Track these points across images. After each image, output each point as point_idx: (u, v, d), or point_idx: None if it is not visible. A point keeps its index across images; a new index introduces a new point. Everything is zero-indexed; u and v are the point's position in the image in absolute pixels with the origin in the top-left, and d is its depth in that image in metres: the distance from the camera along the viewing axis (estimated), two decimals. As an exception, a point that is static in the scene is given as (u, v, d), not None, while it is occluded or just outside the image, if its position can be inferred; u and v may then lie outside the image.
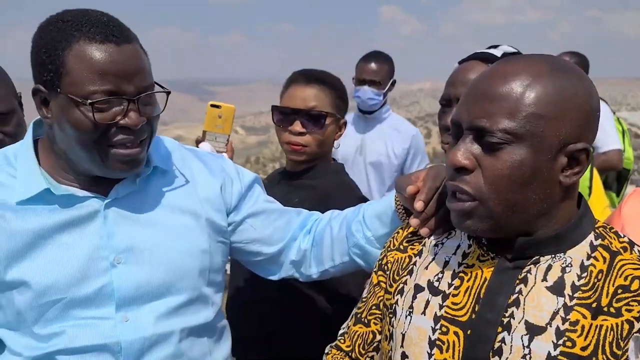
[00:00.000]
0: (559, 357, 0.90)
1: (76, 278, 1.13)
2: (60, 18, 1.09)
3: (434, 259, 1.08)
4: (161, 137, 1.33)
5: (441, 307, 1.01)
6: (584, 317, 0.91)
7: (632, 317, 0.90)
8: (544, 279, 0.95)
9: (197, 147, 1.57)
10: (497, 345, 0.94)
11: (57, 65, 1.06)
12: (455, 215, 0.98)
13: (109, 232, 1.16)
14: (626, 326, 0.89)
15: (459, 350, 0.97)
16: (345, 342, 1.21)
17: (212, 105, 1.65)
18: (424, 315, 1.03)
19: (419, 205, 1.12)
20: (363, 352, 1.18)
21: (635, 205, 1.32)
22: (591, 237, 0.98)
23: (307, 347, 1.53)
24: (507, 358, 0.92)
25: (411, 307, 1.05)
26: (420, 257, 1.11)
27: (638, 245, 0.98)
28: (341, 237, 1.38)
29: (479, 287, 0.99)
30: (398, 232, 1.20)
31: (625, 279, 0.92)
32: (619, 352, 0.89)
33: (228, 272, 1.79)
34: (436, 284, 1.04)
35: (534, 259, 0.97)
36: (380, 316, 1.16)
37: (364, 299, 1.21)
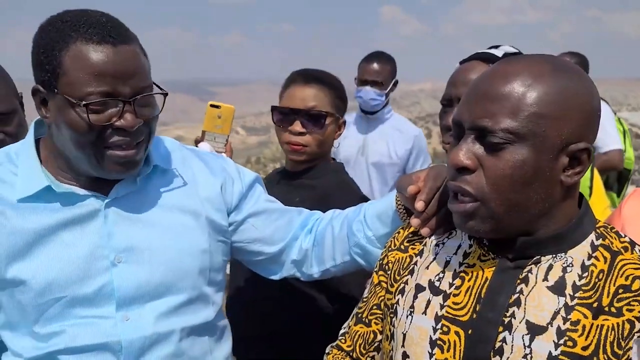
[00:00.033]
0: (560, 356, 0.90)
1: (77, 277, 1.13)
2: (59, 18, 1.09)
3: (434, 258, 1.08)
4: (162, 137, 1.34)
5: (442, 306, 1.01)
6: (585, 316, 0.91)
7: (633, 316, 0.90)
8: (545, 279, 0.95)
9: (196, 147, 1.57)
10: (498, 344, 0.94)
11: (54, 65, 1.06)
12: (457, 217, 0.98)
13: (109, 231, 1.16)
14: (627, 326, 0.90)
15: (460, 350, 0.97)
16: (346, 342, 1.21)
17: (212, 106, 1.65)
18: (425, 315, 1.03)
19: (419, 205, 1.12)
20: (364, 351, 1.18)
21: (635, 205, 1.32)
22: (592, 236, 0.98)
23: (308, 347, 1.53)
24: (508, 358, 0.93)
25: (412, 306, 1.05)
26: (421, 257, 1.11)
27: (639, 245, 0.98)
28: (342, 237, 1.38)
29: (480, 287, 0.99)
30: (399, 232, 1.20)
31: (626, 278, 0.92)
32: (620, 352, 0.89)
33: (227, 272, 1.79)
34: (437, 283, 1.04)
35: (535, 258, 0.97)
36: (381, 316, 1.16)
37: (364, 299, 1.21)
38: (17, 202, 1.13)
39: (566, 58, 3.05)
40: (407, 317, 1.06)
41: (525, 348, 0.92)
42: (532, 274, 0.96)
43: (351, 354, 1.20)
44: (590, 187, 2.16)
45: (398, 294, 1.10)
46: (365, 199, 1.79)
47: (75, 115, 1.07)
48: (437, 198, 1.13)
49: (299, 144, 1.76)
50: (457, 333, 0.98)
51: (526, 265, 0.97)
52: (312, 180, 1.80)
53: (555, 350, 0.90)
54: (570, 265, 0.95)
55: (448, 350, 0.98)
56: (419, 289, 1.06)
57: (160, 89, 1.17)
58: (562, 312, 0.92)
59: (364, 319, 1.19)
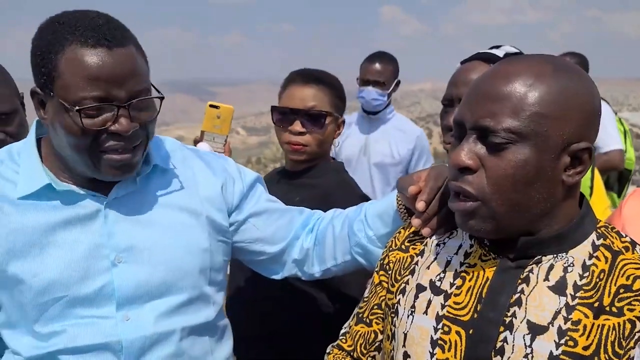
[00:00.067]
0: (561, 356, 0.90)
1: (77, 276, 1.13)
2: (57, 20, 1.08)
3: (435, 258, 1.08)
4: (163, 137, 1.34)
5: (443, 306, 1.01)
6: (586, 316, 0.91)
7: (634, 316, 0.90)
8: (546, 279, 0.95)
9: (195, 147, 1.57)
10: (499, 344, 0.94)
11: (50, 68, 1.05)
12: (458, 216, 0.98)
13: (109, 231, 1.16)
14: (628, 325, 0.90)
15: (461, 349, 0.97)
16: (347, 342, 1.21)
17: (211, 106, 1.65)
18: (426, 314, 1.03)
19: (420, 205, 1.12)
20: (365, 351, 1.18)
21: (636, 205, 1.32)
22: (593, 236, 0.98)
23: (309, 347, 1.53)
24: (509, 357, 0.93)
25: (413, 306, 1.06)
26: (422, 257, 1.11)
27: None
28: (343, 236, 1.38)
29: (481, 287, 0.99)
30: (400, 232, 1.20)
31: (627, 278, 0.92)
32: (621, 352, 0.89)
33: (227, 272, 1.79)
34: (438, 283, 1.04)
35: (536, 258, 0.97)
36: (382, 316, 1.16)
37: (365, 299, 1.21)
38: (18, 200, 1.13)
39: (566, 58, 3.05)
40: (408, 317, 1.06)
41: (526, 348, 0.92)
42: (533, 273, 0.96)
43: (352, 353, 1.20)
44: (591, 187, 2.16)
45: (399, 294, 1.10)
46: (365, 198, 1.79)
47: (70, 119, 1.06)
48: (438, 198, 1.13)
49: (299, 143, 1.77)
50: (458, 333, 0.98)
51: (527, 265, 0.97)
52: (312, 179, 1.80)
53: (556, 350, 0.90)
54: (571, 265, 0.95)
55: (449, 350, 0.98)
56: (420, 288, 1.06)
57: (158, 91, 1.16)
58: (563, 312, 0.92)
59: (364, 319, 1.19)
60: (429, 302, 1.03)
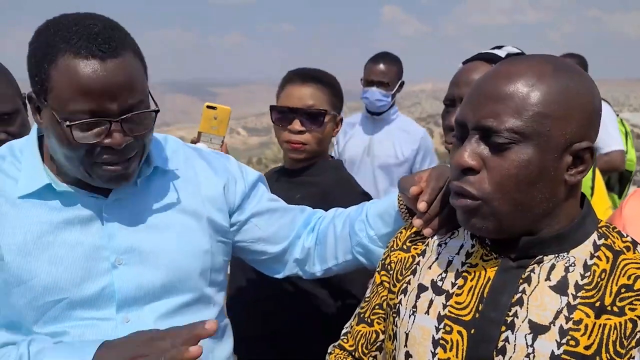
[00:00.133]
0: (563, 356, 0.90)
1: (78, 278, 1.12)
2: (52, 26, 1.05)
3: (437, 258, 1.08)
4: (165, 135, 1.33)
5: (445, 306, 1.01)
6: (588, 316, 0.91)
7: (635, 315, 0.90)
8: (548, 279, 0.95)
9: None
10: (500, 344, 0.94)
11: (43, 78, 1.03)
12: (460, 213, 0.98)
13: (109, 233, 1.15)
14: (629, 325, 0.90)
15: (463, 349, 0.97)
16: (348, 342, 1.22)
17: (208, 107, 1.65)
18: (428, 314, 1.03)
19: (422, 206, 1.12)
20: (366, 351, 1.18)
21: (636, 205, 1.32)
22: (594, 236, 0.98)
23: (310, 347, 1.54)
24: (510, 357, 0.93)
25: (415, 306, 1.06)
26: (423, 257, 1.11)
27: (641, 245, 0.99)
28: (344, 236, 1.38)
29: (482, 287, 0.99)
30: (401, 232, 1.20)
31: (629, 278, 0.93)
32: (623, 351, 0.89)
33: (227, 272, 1.79)
34: (440, 283, 1.04)
35: (537, 258, 0.97)
36: (383, 316, 1.16)
37: (367, 299, 1.21)
38: (19, 199, 1.12)
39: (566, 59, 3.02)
40: (409, 316, 1.06)
41: (527, 347, 0.92)
42: (534, 273, 0.96)
43: (353, 353, 1.20)
44: (592, 188, 2.17)
45: (400, 294, 1.10)
46: (365, 195, 1.80)
47: (62, 132, 1.04)
48: (440, 198, 1.13)
49: (299, 142, 1.78)
50: (459, 333, 0.98)
51: (529, 264, 0.97)
52: (311, 177, 1.82)
53: (558, 349, 0.90)
54: (573, 264, 0.95)
55: (451, 350, 0.98)
56: (421, 288, 1.07)
57: (154, 101, 1.13)
58: (565, 312, 0.92)
59: (366, 319, 1.19)
60: (431, 302, 1.04)
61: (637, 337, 0.89)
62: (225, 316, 1.37)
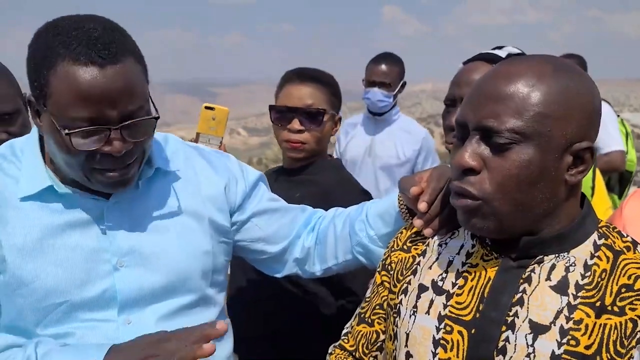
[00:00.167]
0: (563, 355, 0.90)
1: (79, 280, 1.12)
2: (52, 29, 1.04)
3: (437, 258, 1.09)
4: (166, 135, 1.32)
5: (445, 306, 1.01)
6: (588, 315, 0.91)
7: (635, 315, 0.90)
8: (548, 278, 0.95)
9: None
10: (501, 344, 0.94)
11: (42, 84, 1.02)
12: (461, 214, 0.98)
13: (111, 235, 1.15)
14: (630, 325, 0.90)
15: (463, 349, 0.97)
16: (349, 342, 1.22)
17: (206, 108, 1.65)
18: (428, 314, 1.03)
19: (422, 206, 1.12)
20: (367, 351, 1.18)
21: (636, 205, 1.32)
22: (594, 236, 0.98)
23: (311, 346, 1.53)
24: (511, 357, 0.93)
25: (415, 306, 1.06)
26: (424, 257, 1.11)
27: (641, 245, 0.99)
28: (344, 236, 1.38)
29: (483, 287, 0.99)
30: (402, 232, 1.20)
31: (629, 278, 0.93)
32: (623, 351, 0.89)
33: (228, 271, 1.79)
34: (440, 283, 1.05)
35: (537, 258, 0.97)
36: (384, 316, 1.16)
37: (367, 299, 1.21)
38: (20, 201, 1.12)
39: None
40: (410, 316, 1.06)
41: (528, 347, 0.92)
42: (535, 273, 0.96)
43: (354, 353, 1.20)
44: (593, 188, 2.17)
45: (401, 294, 1.10)
46: (365, 193, 1.81)
47: (61, 139, 1.03)
48: (440, 199, 1.13)
49: (298, 141, 1.79)
50: (460, 332, 0.98)
51: (529, 264, 0.97)
52: (311, 176, 1.83)
53: (559, 349, 0.90)
54: (573, 264, 0.95)
55: (451, 350, 0.98)
56: (422, 288, 1.07)
57: (154, 107, 1.12)
58: (565, 312, 0.92)
59: (366, 319, 1.19)
60: (431, 302, 1.04)
61: (637, 336, 0.89)
62: (226, 316, 1.37)
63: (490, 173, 0.93)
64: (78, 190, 1.14)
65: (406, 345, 1.05)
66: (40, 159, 1.15)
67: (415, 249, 1.14)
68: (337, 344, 1.25)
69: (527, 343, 0.92)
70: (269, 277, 1.48)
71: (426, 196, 1.13)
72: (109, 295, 1.14)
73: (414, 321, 1.05)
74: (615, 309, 0.91)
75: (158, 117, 1.11)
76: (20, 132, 1.60)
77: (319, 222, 1.45)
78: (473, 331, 0.97)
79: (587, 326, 0.91)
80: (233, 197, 1.32)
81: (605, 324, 0.91)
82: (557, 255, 0.97)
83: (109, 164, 1.07)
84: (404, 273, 1.12)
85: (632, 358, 0.89)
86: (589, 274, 0.94)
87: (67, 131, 1.01)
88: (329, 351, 1.26)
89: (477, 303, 0.98)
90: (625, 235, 1.00)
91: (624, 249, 0.97)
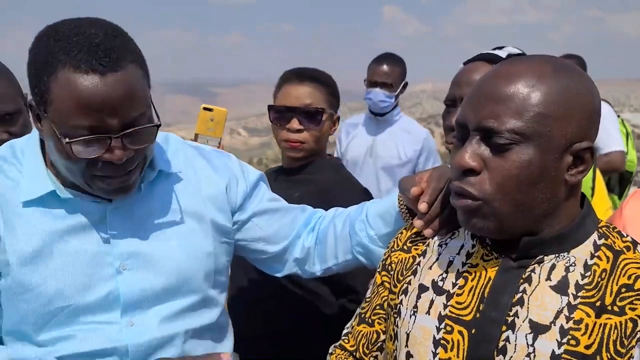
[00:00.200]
0: (563, 355, 0.90)
1: (82, 285, 1.12)
2: (52, 34, 1.02)
3: (437, 259, 1.09)
4: (167, 135, 1.32)
5: (445, 306, 1.02)
6: (588, 315, 0.91)
7: (635, 315, 0.90)
8: (548, 278, 0.95)
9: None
10: (501, 344, 0.94)
11: (43, 90, 1.01)
12: (461, 214, 0.99)
13: (113, 238, 1.15)
14: (630, 324, 0.90)
15: (464, 349, 0.97)
16: (349, 342, 1.22)
17: (205, 109, 1.65)
18: (429, 314, 1.03)
19: (422, 206, 1.12)
20: (367, 351, 1.18)
21: (636, 206, 1.32)
22: (595, 236, 0.98)
23: (311, 346, 1.54)
24: (511, 357, 0.93)
25: (415, 306, 1.06)
26: (424, 258, 1.11)
27: (641, 245, 0.99)
28: (344, 236, 1.38)
29: (483, 287, 0.99)
30: (402, 233, 1.20)
31: (629, 277, 0.93)
32: (623, 351, 0.89)
33: (229, 272, 1.79)
34: (440, 283, 1.05)
35: (537, 258, 0.97)
36: (384, 316, 1.17)
37: (367, 299, 1.21)
38: (22, 204, 1.11)
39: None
40: (410, 317, 1.06)
41: (528, 347, 0.92)
42: (535, 273, 0.96)
43: (354, 353, 1.20)
44: (593, 188, 2.17)
45: (401, 294, 1.10)
46: (366, 192, 1.81)
47: (62, 146, 1.03)
48: (440, 199, 1.13)
49: (297, 141, 1.80)
50: (460, 332, 0.98)
51: (529, 264, 0.97)
52: (310, 175, 1.83)
53: (559, 349, 0.91)
54: (573, 264, 0.95)
55: (452, 350, 0.99)
56: (422, 289, 1.07)
57: (156, 114, 1.11)
58: (565, 311, 0.92)
59: (367, 319, 1.19)
60: (432, 302, 1.04)
61: (637, 336, 0.89)
62: (227, 315, 1.37)
63: (491, 173, 0.93)
64: (79, 193, 1.14)
65: (406, 346, 1.05)
66: (41, 161, 1.15)
67: (416, 249, 1.14)
68: (337, 344, 1.25)
69: (527, 343, 0.92)
70: (270, 277, 1.48)
71: (426, 197, 1.13)
72: (112, 298, 1.14)
73: (414, 321, 1.05)
74: (615, 308, 0.91)
75: (160, 125, 1.11)
76: (22, 132, 1.60)
77: (319, 222, 1.45)
78: (473, 331, 0.97)
79: (587, 326, 0.91)
80: (234, 197, 1.32)
81: (605, 324, 0.91)
82: (557, 255, 0.97)
83: (110, 171, 1.07)
84: (404, 273, 1.12)
85: (632, 358, 0.89)
86: (589, 273, 0.94)
87: (67, 140, 1.01)
88: (330, 351, 1.26)
89: (477, 303, 0.98)
90: (625, 235, 1.00)
91: (624, 248, 0.97)
